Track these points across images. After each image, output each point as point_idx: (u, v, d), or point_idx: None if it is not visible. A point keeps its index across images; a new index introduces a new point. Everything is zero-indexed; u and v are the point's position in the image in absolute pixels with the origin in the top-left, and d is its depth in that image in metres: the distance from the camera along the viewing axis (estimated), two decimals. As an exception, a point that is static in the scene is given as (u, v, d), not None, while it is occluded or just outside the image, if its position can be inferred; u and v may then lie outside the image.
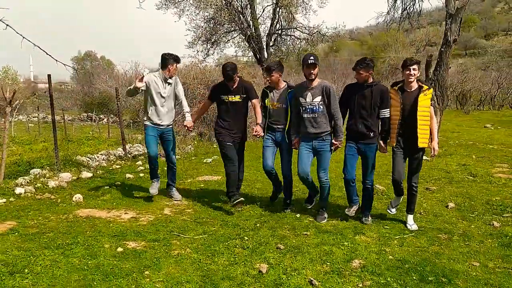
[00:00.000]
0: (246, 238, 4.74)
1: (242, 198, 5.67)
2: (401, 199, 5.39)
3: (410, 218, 5.27)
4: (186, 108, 6.27)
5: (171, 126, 6.24)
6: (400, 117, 5.00)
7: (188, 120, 6.16)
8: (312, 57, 5.20)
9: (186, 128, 6.24)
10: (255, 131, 5.66)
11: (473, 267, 4.03)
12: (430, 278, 3.80)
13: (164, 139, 6.22)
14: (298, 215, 5.61)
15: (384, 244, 4.62)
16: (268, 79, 5.68)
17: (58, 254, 4.20)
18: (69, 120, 22.39)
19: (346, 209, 5.43)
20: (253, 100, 5.83)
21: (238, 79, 5.81)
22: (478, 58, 55.71)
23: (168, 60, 5.90)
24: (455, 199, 6.36)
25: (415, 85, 5.01)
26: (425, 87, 4.99)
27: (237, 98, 5.79)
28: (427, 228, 5.11)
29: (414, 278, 3.83)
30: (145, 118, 6.15)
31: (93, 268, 3.93)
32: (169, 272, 3.90)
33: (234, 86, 5.77)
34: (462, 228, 5.09)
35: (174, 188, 6.44)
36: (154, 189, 6.22)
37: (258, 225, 5.21)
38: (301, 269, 3.98)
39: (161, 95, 5.95)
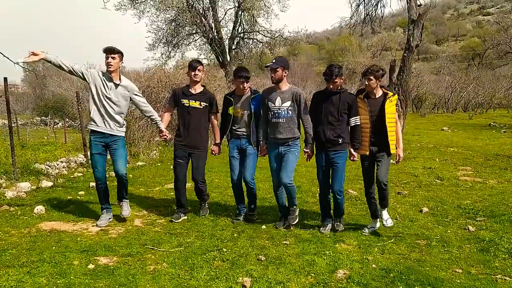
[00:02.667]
0: (224, 249, 4.54)
1: (179, 219, 5.54)
2: (377, 223, 5.31)
3: (384, 213, 5.20)
4: (156, 116, 5.59)
5: (119, 133, 5.35)
6: (370, 124, 4.98)
7: (162, 127, 5.60)
8: (273, 60, 5.15)
9: (164, 137, 5.68)
10: (212, 151, 5.75)
11: (456, 274, 4.01)
12: None
13: (111, 148, 5.36)
14: (274, 223, 5.47)
15: (366, 252, 4.56)
16: (243, 87, 5.41)
17: (23, 273, 3.86)
18: (21, 124, 21.35)
19: (321, 228, 5.27)
20: (212, 116, 5.71)
21: (202, 87, 5.65)
22: (430, 63, 57.84)
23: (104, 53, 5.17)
24: (427, 203, 6.42)
25: (379, 92, 5.02)
26: (390, 93, 5.00)
27: (197, 104, 5.52)
28: (405, 234, 5.09)
29: (401, 287, 3.76)
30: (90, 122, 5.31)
31: (63, 288, 3.64)
32: (147, 290, 3.66)
33: (198, 92, 5.56)
34: (439, 234, 5.11)
35: (125, 201, 5.55)
36: (102, 220, 5.38)
37: (235, 235, 5.03)
38: (286, 282, 3.83)
39: (105, 95, 5.17)
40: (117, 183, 5.55)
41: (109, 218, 5.51)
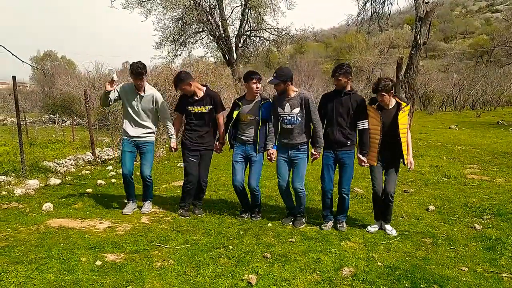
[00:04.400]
0: (230, 247, 4.58)
1: (188, 216, 5.66)
2: (380, 224, 5.32)
3: (388, 226, 5.21)
4: (171, 130, 5.87)
5: (148, 138, 5.78)
6: (380, 136, 4.96)
7: (173, 141, 5.92)
8: (274, 74, 5.15)
9: (173, 150, 5.98)
10: (215, 148, 5.82)
11: (462, 272, 4.01)
12: (421, 286, 3.75)
13: (140, 151, 5.82)
14: (280, 221, 5.49)
15: (371, 250, 4.57)
16: (257, 87, 5.36)
17: (31, 269, 3.92)
18: (30, 122, 21.50)
19: (322, 225, 5.32)
20: (218, 115, 5.73)
21: (202, 88, 5.69)
22: (438, 60, 57.38)
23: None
24: (434, 201, 6.40)
25: (393, 102, 4.99)
26: (403, 104, 4.97)
27: (202, 109, 5.61)
28: (411, 232, 5.09)
29: (406, 285, 3.77)
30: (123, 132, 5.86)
31: (71, 284, 3.68)
32: (153, 286, 3.70)
33: (200, 96, 5.60)
34: (446, 232, 5.10)
35: (148, 201, 5.98)
36: (127, 209, 5.86)
37: (241, 232, 5.06)
38: (292, 279, 3.86)
39: (133, 106, 5.65)
40: (142, 184, 5.91)
41: (134, 208, 5.95)
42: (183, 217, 5.59)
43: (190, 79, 5.56)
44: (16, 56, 6.49)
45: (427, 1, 11.70)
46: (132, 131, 5.71)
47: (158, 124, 6.35)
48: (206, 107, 5.61)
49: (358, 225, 5.37)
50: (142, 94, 5.63)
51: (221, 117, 5.79)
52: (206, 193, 6.03)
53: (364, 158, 5.10)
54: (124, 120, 5.78)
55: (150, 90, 5.71)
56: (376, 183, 5.12)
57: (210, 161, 5.89)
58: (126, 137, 5.77)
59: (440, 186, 7.39)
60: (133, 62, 5.51)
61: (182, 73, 5.65)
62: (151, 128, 5.78)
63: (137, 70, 5.43)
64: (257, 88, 5.38)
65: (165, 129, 6.04)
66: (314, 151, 5.21)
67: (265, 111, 5.37)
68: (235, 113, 5.48)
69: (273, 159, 5.42)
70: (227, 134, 5.65)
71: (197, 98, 5.61)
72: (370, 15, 14.13)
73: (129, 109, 5.67)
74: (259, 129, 5.40)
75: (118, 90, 5.67)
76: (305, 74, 37.62)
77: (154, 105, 5.71)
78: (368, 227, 5.23)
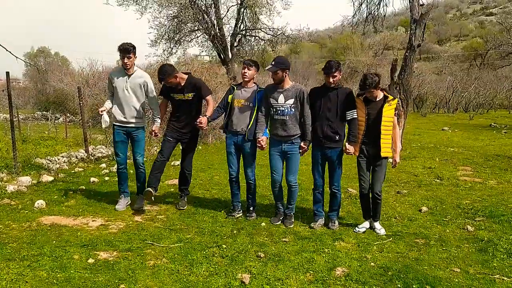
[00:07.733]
0: (224, 246, 4.57)
1: (149, 190, 5.57)
2: (368, 224, 5.31)
3: (377, 224, 5.24)
4: (157, 113, 5.85)
5: (138, 125, 5.80)
6: (364, 127, 5.01)
7: (156, 125, 5.84)
8: (272, 62, 5.17)
9: (154, 133, 5.84)
10: (199, 121, 5.48)
11: (454, 273, 4.03)
12: (414, 286, 3.76)
13: (131, 139, 5.86)
14: (270, 219, 5.49)
15: (364, 250, 4.58)
16: (244, 73, 5.37)
17: (24, 266, 3.90)
18: (22, 118, 21.35)
19: (312, 223, 5.34)
20: (207, 97, 5.71)
21: (184, 77, 5.67)
22: (432, 63, 57.66)
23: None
24: (426, 202, 6.43)
25: (380, 95, 5.03)
26: (390, 97, 5.01)
27: (184, 97, 5.63)
28: (404, 233, 5.11)
29: (399, 286, 3.78)
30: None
31: (63, 281, 3.66)
32: (146, 284, 3.69)
33: (182, 84, 5.61)
34: (438, 233, 5.13)
35: (141, 196, 5.84)
36: (119, 205, 5.86)
37: (235, 231, 5.06)
38: (285, 278, 3.86)
39: (121, 87, 5.66)
40: (135, 173, 5.96)
41: (127, 203, 5.97)
42: (137, 209, 5.68)
43: (175, 72, 5.55)
44: (10, 52, 6.46)
45: (422, 3, 11.74)
46: (121, 114, 5.71)
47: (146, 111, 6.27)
48: (189, 94, 5.62)
49: (352, 226, 5.37)
50: (130, 72, 5.64)
51: (211, 99, 5.73)
52: (199, 191, 6.02)
53: (350, 147, 5.09)
54: (114, 105, 5.78)
55: (140, 72, 5.78)
56: (363, 182, 5.16)
57: (194, 149, 5.98)
58: (116, 124, 5.80)
59: (433, 188, 7.43)
60: (123, 45, 5.57)
61: (166, 66, 5.63)
62: (140, 112, 5.77)
63: (124, 46, 5.51)
64: (244, 73, 5.39)
65: (151, 109, 5.98)
66: (303, 144, 5.22)
67: (259, 99, 5.39)
68: (230, 97, 5.50)
69: (263, 146, 5.36)
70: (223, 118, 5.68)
71: (179, 87, 5.62)
72: (365, 17, 14.18)
73: (118, 90, 5.68)
74: (253, 117, 5.38)
75: (111, 80, 5.78)
76: (299, 74, 37.74)
77: (143, 87, 5.70)
78: (356, 227, 5.24)
